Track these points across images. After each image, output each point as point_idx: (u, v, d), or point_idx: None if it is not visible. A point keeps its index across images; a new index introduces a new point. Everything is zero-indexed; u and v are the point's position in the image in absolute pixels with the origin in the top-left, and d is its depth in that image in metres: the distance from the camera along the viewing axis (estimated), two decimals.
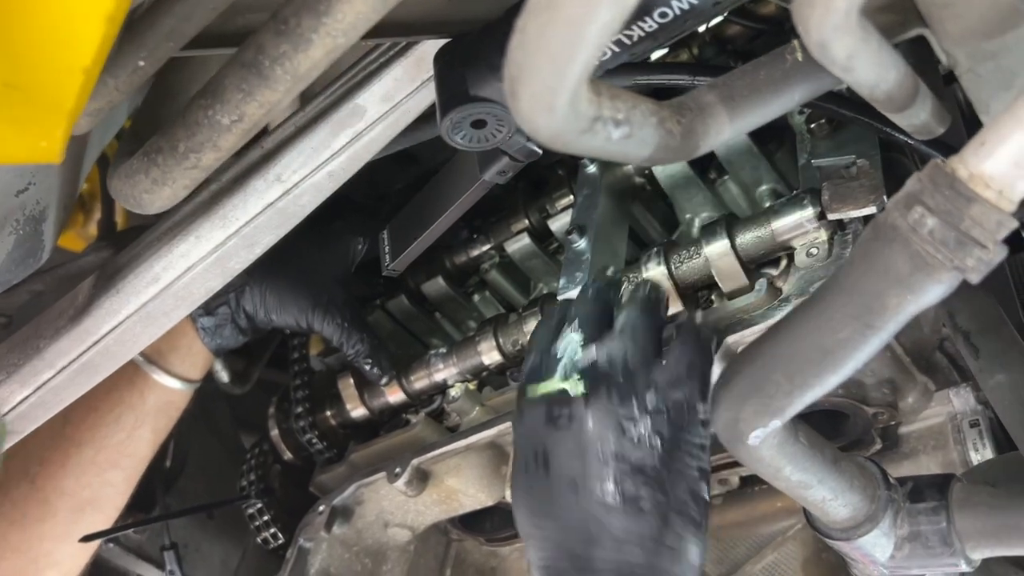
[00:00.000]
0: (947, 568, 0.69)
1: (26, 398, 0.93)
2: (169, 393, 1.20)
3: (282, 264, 1.24)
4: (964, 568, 0.68)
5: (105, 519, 1.16)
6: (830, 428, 1.04)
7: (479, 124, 0.66)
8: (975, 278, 0.51)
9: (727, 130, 0.59)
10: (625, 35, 0.60)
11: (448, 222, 0.83)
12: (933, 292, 0.52)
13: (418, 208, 0.87)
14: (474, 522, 1.40)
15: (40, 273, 0.98)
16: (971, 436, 1.01)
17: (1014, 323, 0.86)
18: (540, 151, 0.72)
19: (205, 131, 0.54)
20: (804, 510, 0.71)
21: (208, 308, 1.20)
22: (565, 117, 0.45)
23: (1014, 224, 0.50)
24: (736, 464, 1.17)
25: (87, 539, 1.11)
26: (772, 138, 1.15)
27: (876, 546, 0.69)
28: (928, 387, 1.07)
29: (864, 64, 0.45)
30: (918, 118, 0.57)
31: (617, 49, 0.61)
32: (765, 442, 0.61)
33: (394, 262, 0.90)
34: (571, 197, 1.25)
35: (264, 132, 0.85)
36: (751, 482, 1.19)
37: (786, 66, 0.60)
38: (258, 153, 0.83)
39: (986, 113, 0.55)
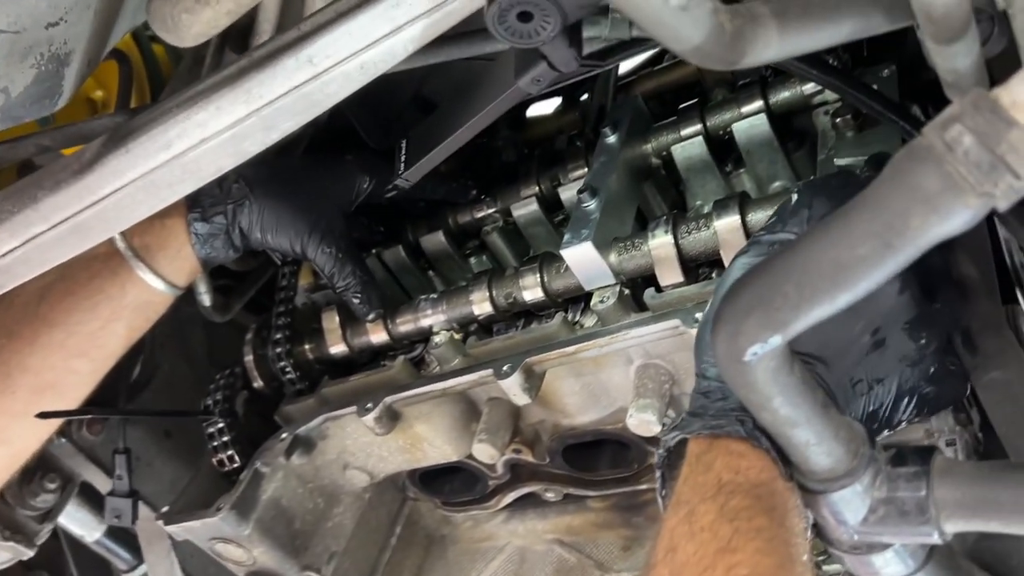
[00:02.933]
0: (918, 537, 0.68)
1: (12, 250, 0.91)
2: (150, 292, 1.18)
3: (286, 186, 1.24)
4: (935, 539, 0.67)
5: (64, 406, 1.14)
6: None
7: (525, 16, 0.66)
8: (1003, 204, 0.50)
9: (774, 45, 0.59)
10: None
11: (472, 132, 0.82)
12: (958, 217, 0.51)
13: (441, 118, 0.87)
14: (434, 484, 1.39)
15: (50, 129, 0.97)
16: (946, 454, 1.01)
17: None
18: (578, 63, 0.72)
19: None
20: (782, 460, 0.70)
21: (205, 215, 1.19)
22: None
23: None
24: None
25: (43, 416, 1.08)
26: (793, 137, 1.16)
27: (850, 504, 0.68)
28: None
29: None
30: (962, 61, 0.57)
31: None
32: (761, 363, 0.60)
33: (408, 171, 0.89)
34: (585, 169, 1.25)
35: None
36: None
37: None
38: (294, 34, 0.82)
39: None
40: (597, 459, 1.25)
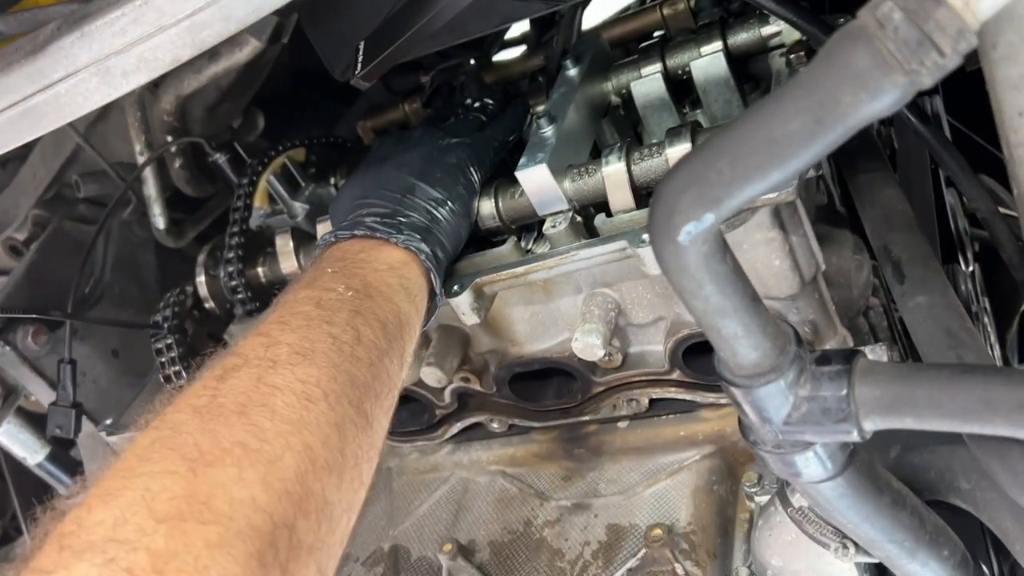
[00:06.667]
0: (838, 435, 0.70)
1: None
2: None
3: None
4: (854, 436, 0.69)
5: None
6: None
7: None
8: (928, 82, 0.53)
9: None
10: None
11: (433, 25, 0.81)
12: (887, 95, 0.53)
13: (401, 17, 0.86)
14: None
15: (5, 13, 0.95)
16: None
17: None
18: None
19: None
20: (716, 359, 0.72)
21: None
22: None
23: (974, 41, 0.52)
24: (648, 383, 1.18)
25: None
26: (749, 79, 1.18)
27: (774, 400, 0.70)
28: (846, 341, 1.10)
29: None
30: None
31: None
32: (694, 246, 0.61)
33: (364, 71, 0.88)
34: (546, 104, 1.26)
35: None
36: (659, 407, 1.20)
37: None
38: None
39: None
40: (543, 391, 1.27)
